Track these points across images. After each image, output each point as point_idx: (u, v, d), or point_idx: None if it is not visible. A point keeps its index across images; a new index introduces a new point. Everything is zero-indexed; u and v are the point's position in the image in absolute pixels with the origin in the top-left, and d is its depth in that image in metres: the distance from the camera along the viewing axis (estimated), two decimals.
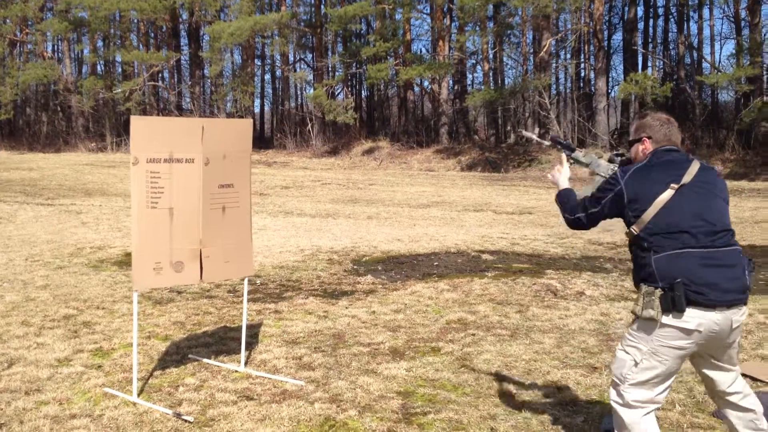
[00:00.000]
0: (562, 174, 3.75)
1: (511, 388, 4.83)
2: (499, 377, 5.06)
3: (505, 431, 4.09)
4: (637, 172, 3.30)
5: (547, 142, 4.08)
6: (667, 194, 3.19)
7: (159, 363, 5.39)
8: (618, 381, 3.29)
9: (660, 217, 3.18)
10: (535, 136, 4.19)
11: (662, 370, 3.20)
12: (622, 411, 3.26)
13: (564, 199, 3.59)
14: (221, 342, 5.95)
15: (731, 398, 3.39)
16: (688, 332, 3.11)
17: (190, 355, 5.56)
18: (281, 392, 4.73)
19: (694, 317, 3.09)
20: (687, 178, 3.23)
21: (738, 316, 3.16)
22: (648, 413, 3.24)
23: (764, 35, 30.65)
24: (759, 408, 3.42)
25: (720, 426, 4.17)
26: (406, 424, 4.20)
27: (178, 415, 4.32)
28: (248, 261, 5.28)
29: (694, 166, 3.28)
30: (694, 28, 37.47)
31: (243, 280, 5.45)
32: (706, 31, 38.11)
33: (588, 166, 3.84)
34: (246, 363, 5.31)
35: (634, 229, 3.24)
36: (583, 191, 3.58)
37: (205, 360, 5.44)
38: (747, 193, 21.07)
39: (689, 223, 3.16)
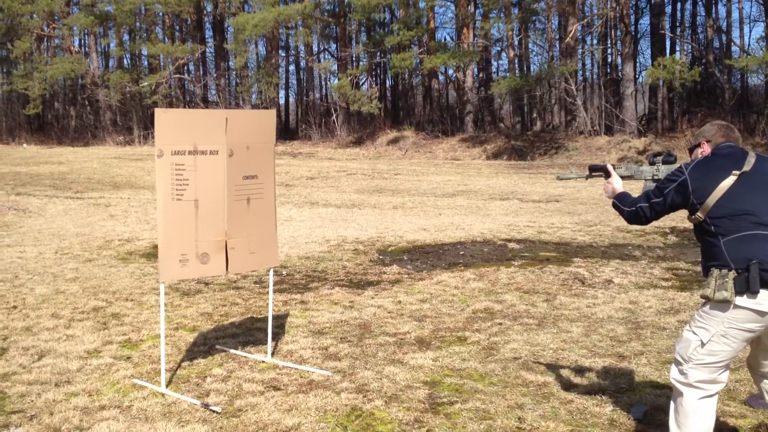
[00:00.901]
0: (614, 182, 3.80)
1: (539, 377, 4.79)
2: (527, 366, 5.02)
3: (532, 420, 4.05)
4: (700, 163, 3.41)
5: (584, 175, 4.10)
6: (730, 180, 3.26)
7: (187, 354, 5.42)
8: (682, 360, 3.32)
9: (724, 202, 3.24)
10: (574, 174, 4.22)
11: (728, 353, 3.23)
12: (684, 390, 3.29)
13: (621, 198, 3.68)
14: (248, 333, 5.98)
15: None
16: (761, 314, 3.14)
17: (217, 346, 5.59)
18: (308, 382, 4.74)
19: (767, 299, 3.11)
20: (747, 167, 3.30)
21: None
22: (707, 396, 3.27)
23: None
24: None
25: (751, 414, 4.10)
26: (432, 414, 4.19)
27: (206, 406, 4.34)
28: (273, 252, 5.28)
29: (752, 157, 3.36)
30: (722, 11, 36.90)
31: (268, 271, 5.46)
32: (735, 14, 37.46)
33: (633, 177, 3.92)
34: (273, 353, 5.33)
35: (699, 215, 3.30)
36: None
37: (232, 351, 5.47)
38: None
39: (755, 207, 3.22)
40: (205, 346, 5.63)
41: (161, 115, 4.71)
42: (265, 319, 5.79)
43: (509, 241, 10.56)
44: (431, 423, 4.05)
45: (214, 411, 4.28)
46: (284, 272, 8.54)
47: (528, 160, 30.30)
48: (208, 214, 4.81)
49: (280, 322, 6.25)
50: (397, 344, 5.59)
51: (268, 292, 6.33)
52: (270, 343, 5.32)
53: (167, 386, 4.69)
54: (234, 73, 44.53)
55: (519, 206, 15.62)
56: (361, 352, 5.41)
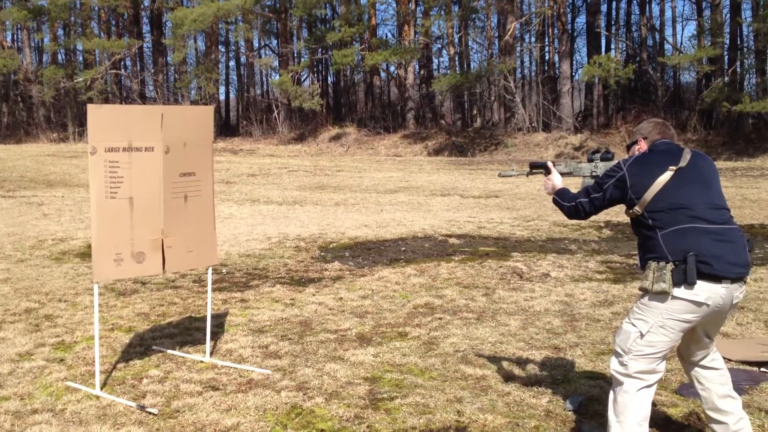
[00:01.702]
0: (554, 178, 3.86)
1: (477, 371, 4.85)
2: (466, 360, 5.08)
3: (471, 414, 4.10)
4: (637, 159, 3.49)
5: (525, 172, 4.19)
6: (666, 175, 3.34)
7: (122, 355, 5.32)
8: (622, 352, 3.38)
9: (661, 196, 3.32)
10: (515, 171, 4.30)
11: (666, 343, 3.31)
12: (625, 380, 3.35)
13: (561, 194, 3.74)
14: (186, 332, 5.90)
15: (703, 362, 3.55)
16: (698, 305, 3.22)
17: (154, 347, 5.50)
18: (247, 381, 4.71)
19: (704, 290, 3.20)
20: (683, 162, 3.39)
21: (738, 292, 3.30)
22: (646, 387, 3.34)
23: (725, 15, 31.04)
24: (726, 369, 3.57)
25: (683, 403, 4.23)
26: (373, 410, 4.20)
27: (142, 408, 4.27)
28: (212, 250, 5.23)
29: (688, 153, 3.45)
30: (656, 9, 37.90)
31: (207, 269, 5.40)
32: (668, 13, 38.45)
33: (572, 174, 3.99)
34: (211, 353, 5.26)
35: (637, 209, 3.37)
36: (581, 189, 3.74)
37: (170, 351, 5.38)
38: None
39: (691, 201, 3.30)
40: (141, 346, 5.53)
41: (94, 111, 4.61)
42: (204, 319, 5.72)
43: (450, 236, 10.66)
44: (371, 419, 4.07)
45: (150, 413, 4.21)
46: (224, 270, 8.45)
47: (468, 156, 30.62)
48: (143, 212, 4.72)
49: (219, 321, 6.18)
50: (338, 341, 5.59)
51: (207, 291, 6.25)
52: (208, 343, 5.26)
53: (102, 388, 4.59)
54: (172, 68, 43.78)
55: (460, 202, 15.78)
56: (302, 349, 5.39)
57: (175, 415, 4.18)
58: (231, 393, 4.49)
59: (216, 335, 5.71)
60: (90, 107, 4.58)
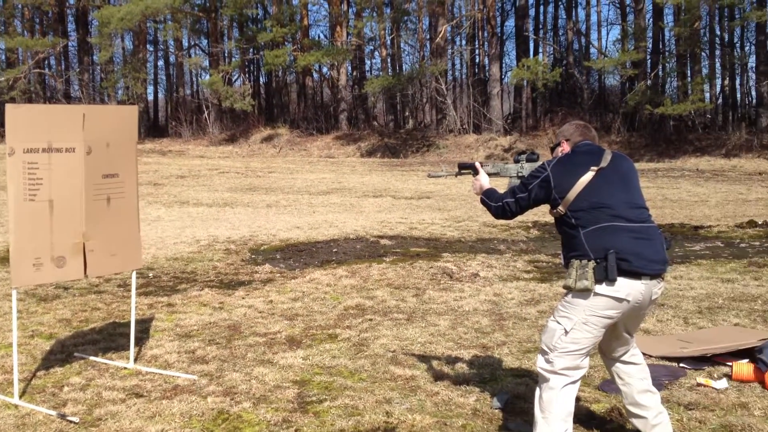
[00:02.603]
0: (482, 179, 3.92)
1: (407, 371, 4.87)
2: (395, 361, 5.09)
3: (399, 414, 4.12)
4: (561, 160, 3.58)
5: (454, 172, 4.26)
6: (588, 175, 3.43)
7: (42, 363, 5.15)
8: (548, 349, 3.43)
9: (584, 196, 3.40)
10: (444, 172, 4.36)
11: (590, 339, 3.38)
12: (551, 377, 3.41)
13: (488, 194, 3.80)
14: (109, 338, 5.75)
15: (624, 357, 3.64)
16: (619, 301, 3.31)
17: (75, 354, 5.34)
18: (173, 388, 4.61)
19: (625, 287, 3.29)
20: (604, 163, 3.49)
21: (657, 288, 3.40)
22: (571, 383, 3.41)
23: (648, 20, 32.03)
24: (645, 364, 3.67)
25: (605, 398, 4.34)
26: (301, 413, 4.17)
27: (63, 416, 4.14)
28: (136, 253, 5.11)
29: (609, 154, 3.55)
30: (582, 14, 38.76)
31: (132, 273, 5.28)
32: (594, 17, 39.58)
33: (499, 174, 4.05)
34: (135, 359, 5.14)
35: (561, 209, 3.45)
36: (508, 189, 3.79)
37: (92, 358, 5.24)
38: None
39: (612, 200, 3.40)
40: (62, 353, 5.36)
41: (12, 111, 4.45)
42: (128, 324, 5.58)
43: (382, 237, 10.69)
44: (300, 422, 4.04)
45: (71, 421, 4.09)
46: (151, 274, 8.27)
47: (401, 157, 30.79)
48: (64, 215, 4.59)
49: (144, 326, 6.04)
50: (267, 344, 5.54)
51: (131, 296, 6.11)
52: (132, 349, 5.13)
53: (21, 397, 4.44)
54: (99, 67, 42.64)
55: (392, 203, 15.85)
56: (230, 353, 5.32)
57: (97, 423, 4.07)
58: (155, 400, 4.40)
59: (141, 341, 5.59)
60: (8, 107, 4.43)
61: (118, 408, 4.26)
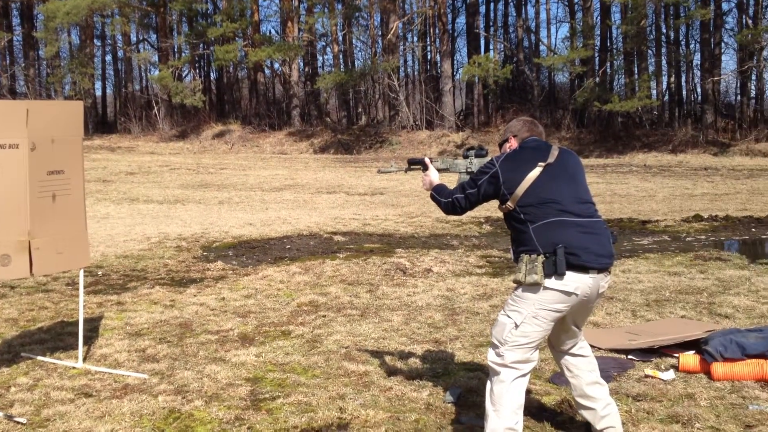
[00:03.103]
0: (431, 174, 3.95)
1: (360, 367, 4.88)
2: (349, 357, 5.09)
3: (353, 410, 4.12)
4: (509, 156, 3.60)
5: (404, 168, 4.29)
6: (536, 171, 3.47)
7: None
8: (498, 343, 3.46)
9: (532, 191, 3.44)
10: (394, 168, 4.38)
11: (540, 332, 3.42)
12: (501, 371, 3.43)
13: (438, 190, 3.81)
14: (58, 338, 5.63)
15: (572, 350, 3.70)
16: (568, 294, 3.35)
17: (22, 354, 5.22)
18: (122, 387, 4.54)
19: (573, 281, 3.33)
20: (551, 158, 3.52)
21: (604, 282, 3.46)
22: (521, 376, 3.44)
23: (596, 18, 32.57)
24: (593, 356, 3.73)
25: (555, 391, 4.41)
26: (254, 411, 4.15)
27: (10, 417, 4.05)
28: (83, 251, 5.01)
29: (556, 150, 3.60)
30: (532, 12, 39.24)
31: (79, 271, 5.17)
32: (543, 15, 40.04)
33: (449, 170, 4.08)
34: (84, 359, 5.05)
35: (509, 204, 3.48)
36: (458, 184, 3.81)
37: (40, 357, 5.12)
38: None
39: (559, 195, 3.44)
40: (9, 354, 5.24)
41: None
42: (77, 323, 5.47)
43: (335, 233, 10.67)
44: (252, 419, 4.01)
45: (18, 422, 3.99)
46: (100, 272, 8.12)
47: (354, 153, 30.77)
48: (7, 212, 4.48)
49: (93, 325, 5.93)
50: (220, 342, 5.49)
51: (79, 294, 6.00)
52: (81, 348, 5.03)
53: None
54: (45, 63, 41.63)
55: (345, 199, 15.83)
56: (182, 352, 5.26)
57: (46, 423, 3.99)
58: (105, 399, 4.32)
59: (90, 340, 5.48)
60: None
61: (67, 408, 4.18)
